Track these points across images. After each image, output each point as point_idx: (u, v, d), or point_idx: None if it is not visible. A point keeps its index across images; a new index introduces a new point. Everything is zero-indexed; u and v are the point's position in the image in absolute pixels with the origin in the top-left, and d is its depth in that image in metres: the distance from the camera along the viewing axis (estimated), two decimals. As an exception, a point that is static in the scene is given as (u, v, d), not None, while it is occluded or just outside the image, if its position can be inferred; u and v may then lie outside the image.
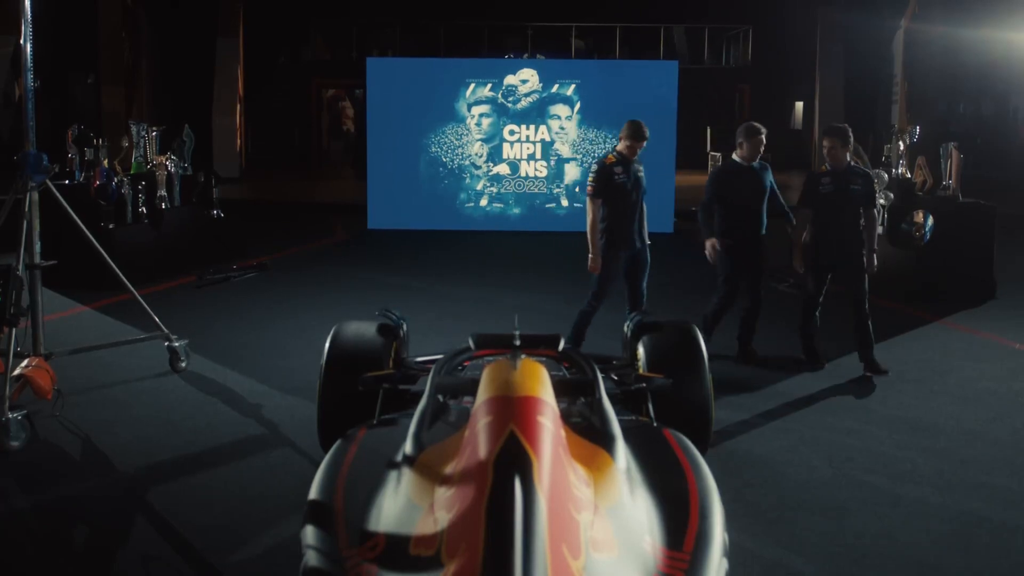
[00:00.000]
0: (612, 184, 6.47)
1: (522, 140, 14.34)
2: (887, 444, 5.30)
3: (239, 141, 21.26)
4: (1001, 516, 4.36)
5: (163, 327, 6.51)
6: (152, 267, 9.58)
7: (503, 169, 14.39)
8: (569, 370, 4.37)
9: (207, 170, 11.64)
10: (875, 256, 6.54)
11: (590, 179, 6.58)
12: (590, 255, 6.52)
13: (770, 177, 6.83)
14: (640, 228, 6.64)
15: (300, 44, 26.57)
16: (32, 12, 5.84)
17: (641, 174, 6.66)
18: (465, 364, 4.35)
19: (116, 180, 9.63)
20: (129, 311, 7.50)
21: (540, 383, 3.11)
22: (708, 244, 6.72)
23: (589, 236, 6.49)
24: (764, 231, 6.77)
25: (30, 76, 5.84)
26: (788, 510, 4.41)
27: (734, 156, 6.82)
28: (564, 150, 14.38)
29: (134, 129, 11.04)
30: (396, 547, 2.63)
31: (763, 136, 6.73)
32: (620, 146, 6.66)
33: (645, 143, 6.64)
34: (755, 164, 6.75)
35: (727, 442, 5.21)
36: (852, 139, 6.58)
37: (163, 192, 10.43)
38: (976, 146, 20.76)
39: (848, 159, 6.57)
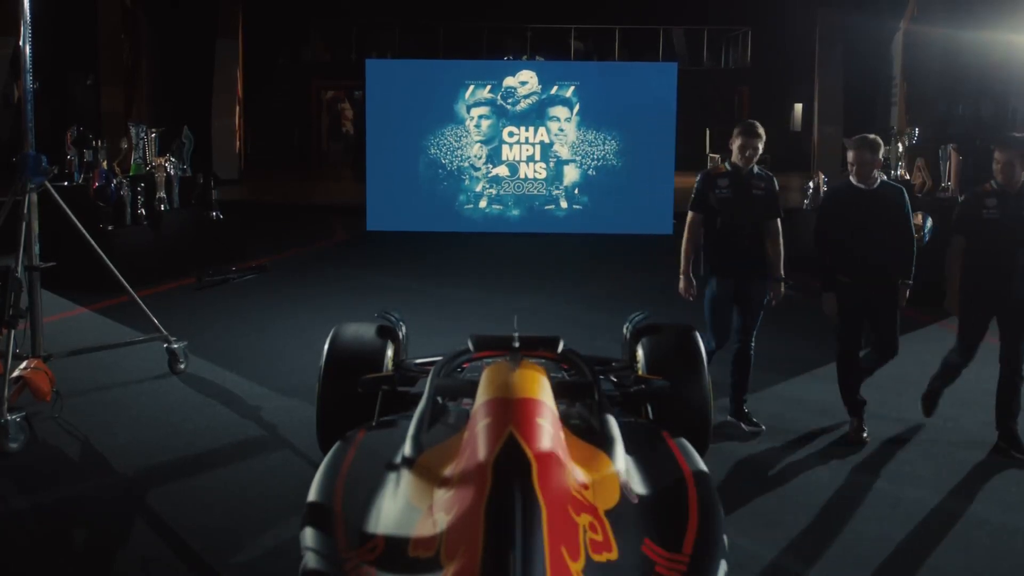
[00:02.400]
0: (713, 198, 5.46)
1: (521, 142, 14.34)
2: (886, 446, 5.30)
3: (238, 142, 21.24)
4: (1000, 518, 4.36)
5: (162, 329, 6.51)
6: (151, 269, 9.57)
7: (502, 171, 14.39)
8: (568, 372, 4.38)
9: (206, 171, 11.64)
10: None
11: (692, 191, 5.67)
12: (680, 274, 5.65)
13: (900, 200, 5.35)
14: (751, 257, 5.44)
15: (299, 45, 26.57)
16: (31, 13, 5.84)
17: (759, 191, 5.44)
18: (464, 366, 4.36)
19: (115, 181, 9.62)
20: (128, 313, 7.49)
21: (539, 385, 3.11)
22: (826, 298, 5.37)
23: (681, 252, 5.62)
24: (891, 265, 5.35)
25: (29, 77, 5.84)
26: (787, 512, 4.41)
27: (851, 178, 5.34)
28: (563, 152, 14.38)
29: (133, 130, 11.04)
30: (395, 549, 2.63)
31: (879, 152, 5.31)
32: (734, 154, 5.50)
33: (760, 143, 5.42)
34: (874, 184, 5.30)
35: (726, 444, 5.21)
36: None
37: (162, 193, 10.42)
38: (975, 148, 20.74)
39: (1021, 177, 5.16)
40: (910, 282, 5.36)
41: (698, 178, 5.58)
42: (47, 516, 4.35)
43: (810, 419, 5.67)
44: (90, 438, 5.29)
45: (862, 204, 5.25)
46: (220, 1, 21.04)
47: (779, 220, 5.52)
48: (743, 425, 5.44)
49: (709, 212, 5.47)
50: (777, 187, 5.56)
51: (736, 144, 5.45)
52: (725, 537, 2.81)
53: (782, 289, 5.51)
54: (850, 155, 5.31)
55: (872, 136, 5.28)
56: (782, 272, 5.47)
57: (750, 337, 5.53)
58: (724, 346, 5.58)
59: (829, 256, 5.34)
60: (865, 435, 5.33)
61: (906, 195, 5.40)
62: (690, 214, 5.59)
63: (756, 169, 5.48)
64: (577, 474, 2.83)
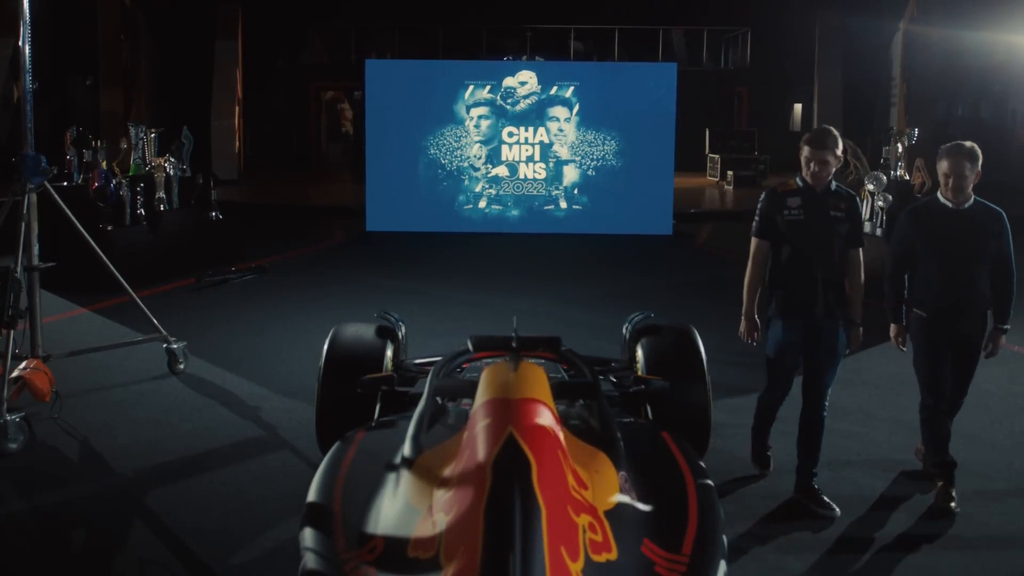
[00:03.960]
0: (781, 221, 4.49)
1: (521, 142, 14.34)
2: (885, 447, 5.29)
3: (238, 143, 21.24)
4: (1000, 519, 4.36)
5: (161, 329, 6.51)
6: (150, 269, 9.57)
7: (502, 171, 14.39)
8: (568, 373, 4.38)
9: (206, 172, 11.63)
10: None
11: (756, 211, 4.66)
12: (742, 315, 4.71)
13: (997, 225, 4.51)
14: (827, 294, 4.43)
15: (299, 46, 26.57)
16: (31, 14, 5.84)
17: (837, 213, 4.44)
18: (464, 366, 4.35)
19: (115, 182, 9.63)
20: (127, 313, 7.49)
21: (539, 385, 3.11)
22: (894, 329, 4.69)
23: (744, 288, 4.68)
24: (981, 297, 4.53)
25: (29, 78, 5.84)
26: (787, 512, 4.41)
27: (939, 195, 4.53)
28: (563, 152, 14.38)
29: (133, 131, 11.04)
30: (395, 549, 2.63)
31: (978, 164, 4.45)
32: (802, 168, 4.52)
33: (830, 156, 4.39)
34: (967, 203, 4.47)
35: (726, 444, 5.21)
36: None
37: (162, 194, 10.43)
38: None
39: None
40: (1007, 327, 4.53)
41: (762, 198, 4.60)
42: (46, 516, 4.34)
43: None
44: (89, 438, 5.29)
45: (950, 226, 4.44)
46: (219, 2, 21.05)
47: (861, 250, 4.53)
48: (812, 506, 4.40)
49: (777, 239, 4.51)
50: (860, 209, 4.58)
51: (802, 156, 4.47)
52: (724, 537, 2.81)
53: (861, 335, 4.55)
54: (943, 165, 4.42)
55: (970, 144, 4.42)
56: (861, 314, 4.53)
57: (823, 395, 4.49)
58: (785, 400, 4.78)
59: (902, 284, 4.61)
60: (954, 505, 4.41)
61: (1006, 220, 4.49)
62: (754, 241, 4.60)
63: (834, 186, 4.49)
64: (577, 474, 2.83)
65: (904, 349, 4.66)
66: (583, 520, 2.60)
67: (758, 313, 4.67)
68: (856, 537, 4.17)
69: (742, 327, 4.69)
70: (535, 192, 14.44)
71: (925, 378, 4.54)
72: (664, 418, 4.02)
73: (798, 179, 4.51)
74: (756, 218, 4.58)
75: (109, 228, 9.40)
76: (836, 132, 4.45)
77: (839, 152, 4.43)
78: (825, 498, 4.40)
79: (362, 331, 4.76)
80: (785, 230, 4.45)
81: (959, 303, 4.45)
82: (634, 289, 9.85)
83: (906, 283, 4.60)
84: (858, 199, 4.56)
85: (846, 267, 4.48)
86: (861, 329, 4.52)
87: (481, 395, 3.06)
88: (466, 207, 14.44)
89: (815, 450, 4.49)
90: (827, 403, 4.51)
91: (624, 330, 5.07)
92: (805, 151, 4.42)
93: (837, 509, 4.36)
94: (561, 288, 9.96)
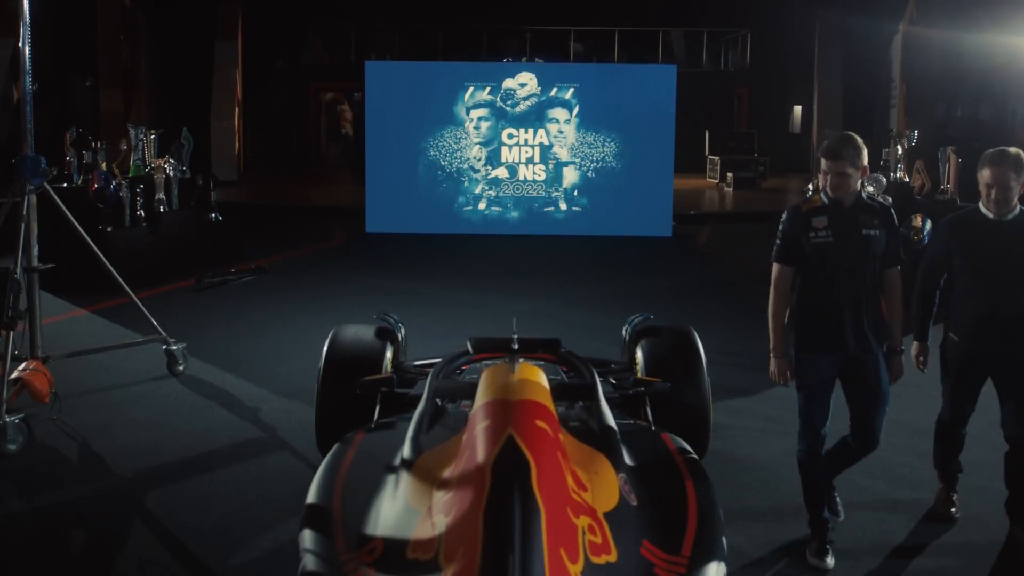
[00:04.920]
0: (807, 244, 3.92)
1: (520, 143, 14.35)
2: (885, 448, 5.26)
3: (237, 144, 21.24)
4: (999, 520, 4.36)
5: (161, 330, 6.51)
6: (150, 270, 9.57)
7: (501, 172, 14.39)
8: (567, 374, 4.38)
9: (205, 173, 11.64)
10: None
11: (778, 233, 4.05)
12: (771, 352, 4.09)
13: None
14: (865, 322, 3.91)
15: (298, 47, 26.57)
16: (31, 14, 5.84)
17: (871, 231, 3.88)
18: (463, 368, 4.36)
19: (114, 183, 9.62)
20: (127, 314, 7.49)
21: (538, 387, 3.11)
22: (916, 347, 4.34)
23: (769, 322, 4.06)
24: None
25: (29, 79, 5.84)
26: (786, 514, 4.40)
27: (980, 205, 4.12)
28: (563, 154, 14.38)
29: (132, 132, 11.05)
30: (394, 551, 2.63)
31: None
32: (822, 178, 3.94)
33: (849, 167, 3.82)
34: (1011, 214, 4.05)
35: (725, 446, 5.21)
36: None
37: (161, 195, 10.43)
38: (974, 150, 20.77)
39: None
40: None
41: (784, 218, 4.03)
42: (45, 517, 4.34)
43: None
44: (88, 439, 5.29)
45: (991, 240, 4.05)
46: (219, 3, 21.05)
47: (900, 268, 4.04)
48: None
49: (803, 263, 3.96)
50: (896, 220, 4.03)
51: (820, 169, 3.94)
52: (724, 539, 2.81)
53: (903, 364, 4.09)
54: (985, 174, 4.03)
55: (1015, 151, 4.02)
56: (902, 341, 4.08)
57: (874, 434, 4.07)
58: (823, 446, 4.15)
59: (932, 301, 4.25)
60: (954, 511, 4.39)
61: None
62: (776, 267, 4.02)
63: (865, 196, 3.98)
64: (576, 476, 2.83)
65: (924, 371, 4.36)
66: (582, 522, 2.60)
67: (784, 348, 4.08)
68: (856, 537, 4.17)
69: (772, 367, 4.08)
70: (535, 194, 14.44)
71: (950, 400, 4.33)
72: (664, 420, 4.02)
73: (823, 194, 3.94)
74: (778, 241, 4.01)
75: (109, 229, 9.40)
76: (858, 140, 3.90)
77: (862, 161, 3.87)
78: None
79: (362, 332, 4.77)
80: (812, 254, 3.90)
81: (998, 322, 4.07)
82: (634, 290, 9.85)
83: (936, 299, 4.27)
84: (893, 211, 4.02)
85: (884, 288, 4.00)
86: (903, 357, 4.08)
87: (481, 397, 3.06)
88: (466, 208, 14.44)
89: (836, 470, 4.25)
90: (879, 442, 4.10)
91: (624, 332, 5.07)
92: (822, 163, 3.90)
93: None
94: (561, 290, 9.96)
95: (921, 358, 4.33)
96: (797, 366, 4.02)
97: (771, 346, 4.05)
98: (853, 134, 3.93)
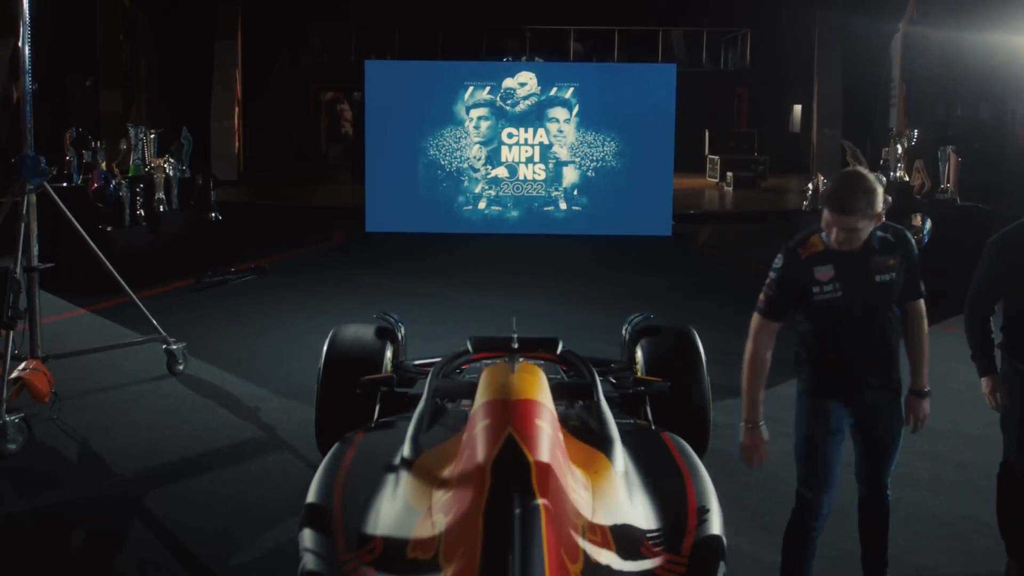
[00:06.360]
0: (809, 300, 3.28)
1: (520, 143, 14.35)
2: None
3: (237, 144, 21.24)
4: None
5: (161, 330, 6.51)
6: (150, 270, 9.57)
7: (501, 172, 14.39)
8: (567, 373, 4.38)
9: (205, 173, 11.64)
10: None
11: (768, 279, 3.36)
12: (742, 422, 3.43)
13: None
14: (879, 366, 3.35)
15: (298, 47, 26.57)
16: (31, 14, 5.84)
17: (885, 276, 3.24)
18: (463, 367, 4.36)
19: (114, 183, 9.62)
20: (127, 314, 7.49)
21: (538, 386, 3.11)
22: (986, 383, 3.74)
23: (743, 384, 3.48)
24: None
25: (28, 78, 5.84)
26: (786, 514, 4.39)
27: None
28: (562, 153, 14.38)
29: (132, 132, 11.04)
30: (394, 550, 2.63)
31: None
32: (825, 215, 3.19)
33: (861, 220, 3.12)
34: None
35: (725, 445, 5.20)
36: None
37: (161, 195, 10.43)
38: (974, 150, 20.79)
39: None
40: None
41: (777, 264, 3.32)
42: (45, 517, 4.34)
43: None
44: (88, 439, 5.29)
45: None
46: (219, 2, 21.05)
47: (923, 300, 3.45)
48: None
49: (804, 317, 3.38)
50: (915, 247, 3.37)
51: (823, 221, 3.22)
52: (724, 538, 2.81)
53: (927, 407, 3.51)
54: None
55: None
56: (926, 381, 3.48)
57: (885, 484, 3.66)
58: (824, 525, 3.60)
59: (988, 328, 3.72)
60: None
61: None
62: (757, 319, 3.39)
63: (879, 233, 3.25)
64: (576, 476, 2.83)
65: (999, 409, 3.74)
66: (582, 521, 2.60)
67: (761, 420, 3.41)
68: (855, 538, 4.16)
69: (744, 439, 3.40)
70: (535, 193, 14.44)
71: (1015, 438, 3.70)
72: (664, 419, 4.02)
73: (823, 236, 3.23)
74: (766, 291, 3.33)
75: (108, 229, 9.40)
76: (870, 179, 3.16)
77: (877, 207, 3.14)
78: None
79: (362, 332, 4.76)
80: (817, 311, 3.29)
81: None
82: (633, 290, 9.84)
83: (992, 327, 3.74)
84: (909, 235, 3.39)
85: (908, 321, 3.43)
86: (928, 401, 3.50)
87: (480, 396, 3.06)
88: (466, 208, 14.44)
89: (881, 544, 3.72)
90: (889, 491, 3.67)
91: (624, 331, 5.07)
92: (825, 214, 3.17)
93: None
94: (560, 289, 9.96)
95: (997, 395, 3.71)
96: (806, 414, 3.51)
97: (743, 416, 3.41)
98: (863, 172, 3.22)
